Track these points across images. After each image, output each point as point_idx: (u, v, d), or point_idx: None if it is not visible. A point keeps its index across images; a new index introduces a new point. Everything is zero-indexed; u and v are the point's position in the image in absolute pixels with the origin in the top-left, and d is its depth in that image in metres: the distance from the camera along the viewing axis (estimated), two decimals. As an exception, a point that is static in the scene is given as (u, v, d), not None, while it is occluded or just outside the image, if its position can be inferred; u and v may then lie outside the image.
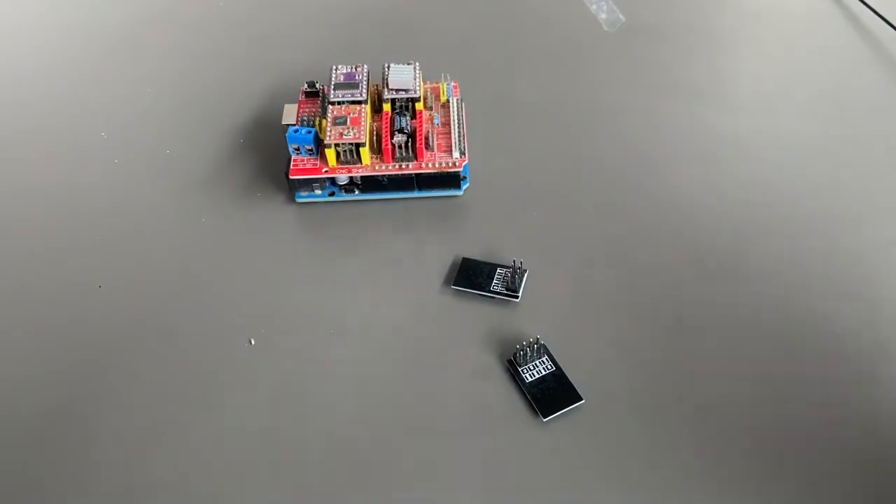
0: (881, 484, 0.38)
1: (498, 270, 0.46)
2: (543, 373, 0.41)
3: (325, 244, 0.49)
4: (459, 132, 0.50)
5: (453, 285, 0.45)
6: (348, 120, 0.49)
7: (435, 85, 0.53)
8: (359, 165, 0.48)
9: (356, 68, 0.52)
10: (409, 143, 0.48)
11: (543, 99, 0.56)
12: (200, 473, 0.39)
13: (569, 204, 0.50)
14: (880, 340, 0.43)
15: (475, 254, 0.47)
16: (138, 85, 0.58)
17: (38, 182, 0.52)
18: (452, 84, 0.53)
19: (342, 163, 0.48)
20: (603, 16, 0.56)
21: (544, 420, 0.40)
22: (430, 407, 0.41)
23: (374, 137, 0.49)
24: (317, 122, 0.50)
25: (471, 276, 0.46)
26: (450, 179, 0.49)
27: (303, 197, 0.50)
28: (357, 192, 0.50)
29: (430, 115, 0.51)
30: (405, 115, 0.49)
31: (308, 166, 0.48)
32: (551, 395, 0.41)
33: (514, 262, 0.45)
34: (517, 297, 0.45)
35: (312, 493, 0.38)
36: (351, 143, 0.47)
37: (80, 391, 0.42)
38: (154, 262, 0.48)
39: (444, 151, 0.49)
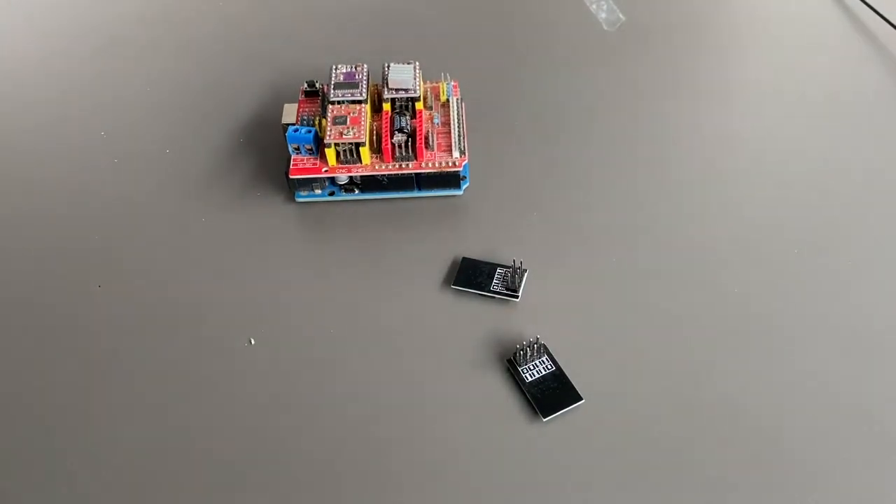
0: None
1: (498, 270, 0.46)
2: (543, 373, 0.41)
3: (325, 244, 0.49)
4: (459, 132, 0.50)
5: (453, 285, 0.45)
6: (348, 119, 0.49)
7: (435, 84, 0.53)
8: (359, 165, 0.48)
9: (356, 68, 0.52)
10: (409, 143, 0.48)
11: (543, 98, 0.56)
12: (200, 473, 0.39)
13: (569, 204, 0.49)
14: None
15: (475, 254, 0.47)
16: (138, 84, 0.58)
17: (38, 181, 0.52)
18: (452, 84, 0.53)
19: (342, 162, 0.48)
20: (603, 15, 0.56)
21: (544, 420, 0.40)
22: (429, 407, 0.41)
23: (374, 137, 0.49)
24: (317, 122, 0.50)
25: (471, 275, 0.46)
26: (450, 179, 0.49)
27: (303, 196, 0.50)
28: (357, 192, 0.50)
29: (430, 114, 0.51)
30: (405, 115, 0.49)
31: (308, 166, 0.48)
32: (551, 395, 0.41)
33: (514, 261, 0.45)
34: (517, 296, 0.45)
35: (312, 492, 0.38)
36: (351, 143, 0.47)
37: (80, 391, 0.42)
38: (154, 262, 0.47)
39: (444, 151, 0.49)
